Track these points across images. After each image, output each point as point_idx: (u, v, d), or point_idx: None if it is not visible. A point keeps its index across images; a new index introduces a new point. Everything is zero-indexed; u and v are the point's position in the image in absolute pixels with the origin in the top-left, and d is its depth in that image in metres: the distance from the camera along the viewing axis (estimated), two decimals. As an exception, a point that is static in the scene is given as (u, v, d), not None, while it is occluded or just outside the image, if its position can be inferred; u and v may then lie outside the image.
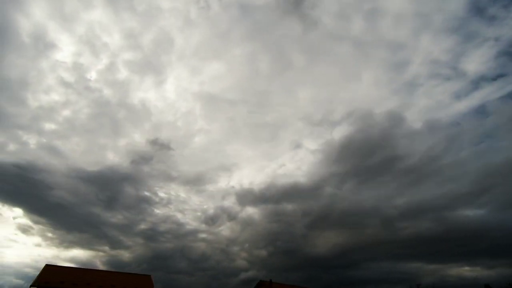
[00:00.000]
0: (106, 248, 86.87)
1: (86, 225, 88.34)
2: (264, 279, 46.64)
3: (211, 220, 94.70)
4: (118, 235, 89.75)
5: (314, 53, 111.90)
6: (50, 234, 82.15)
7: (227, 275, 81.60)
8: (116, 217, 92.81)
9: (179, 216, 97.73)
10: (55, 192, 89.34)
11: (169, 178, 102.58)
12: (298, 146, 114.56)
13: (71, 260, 79.52)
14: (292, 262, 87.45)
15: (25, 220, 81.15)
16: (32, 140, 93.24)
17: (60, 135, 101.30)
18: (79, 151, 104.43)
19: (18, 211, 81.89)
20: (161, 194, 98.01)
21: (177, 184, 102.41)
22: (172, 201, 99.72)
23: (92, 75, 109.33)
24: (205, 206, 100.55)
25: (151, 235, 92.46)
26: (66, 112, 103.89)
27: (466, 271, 75.32)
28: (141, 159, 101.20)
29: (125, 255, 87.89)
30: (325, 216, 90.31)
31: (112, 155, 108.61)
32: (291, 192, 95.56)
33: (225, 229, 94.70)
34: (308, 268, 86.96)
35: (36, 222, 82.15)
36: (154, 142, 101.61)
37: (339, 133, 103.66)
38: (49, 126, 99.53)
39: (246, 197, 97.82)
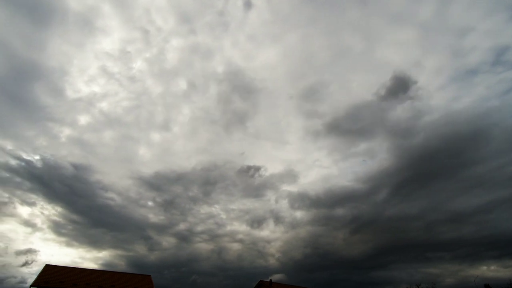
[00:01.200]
0: (141, 248, 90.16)
1: (126, 226, 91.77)
2: (270, 279, 46.61)
3: (257, 222, 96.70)
4: (155, 235, 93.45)
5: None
6: (83, 235, 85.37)
7: (253, 276, 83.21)
8: (158, 217, 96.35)
9: (223, 216, 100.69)
10: (105, 193, 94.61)
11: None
12: (354, 153, 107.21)
13: (96, 259, 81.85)
14: (324, 263, 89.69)
15: (62, 219, 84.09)
16: (63, 133, 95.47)
17: (94, 128, 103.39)
18: (113, 146, 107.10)
19: (59, 210, 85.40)
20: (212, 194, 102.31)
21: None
22: (219, 201, 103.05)
23: (138, 64, 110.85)
24: (252, 207, 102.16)
25: (186, 235, 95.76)
26: (103, 105, 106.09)
27: (491, 271, 75.63)
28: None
29: (156, 255, 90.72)
30: (372, 221, 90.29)
31: (143, 150, 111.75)
32: (346, 198, 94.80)
33: (268, 232, 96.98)
34: (338, 269, 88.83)
35: (73, 222, 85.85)
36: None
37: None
38: (84, 119, 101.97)
39: (300, 201, 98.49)
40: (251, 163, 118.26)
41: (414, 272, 78.81)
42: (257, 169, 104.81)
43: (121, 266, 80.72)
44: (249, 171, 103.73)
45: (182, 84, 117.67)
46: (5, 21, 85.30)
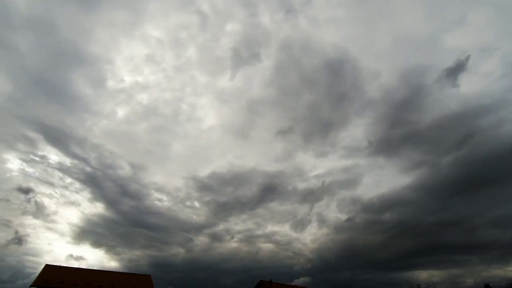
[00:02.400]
0: (173, 248, 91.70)
1: (167, 226, 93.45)
2: (265, 279, 46.61)
3: (301, 225, 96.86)
4: (192, 236, 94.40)
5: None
6: (117, 235, 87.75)
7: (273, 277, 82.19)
8: (200, 217, 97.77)
9: (266, 217, 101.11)
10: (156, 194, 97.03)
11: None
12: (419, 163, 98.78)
13: (121, 260, 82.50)
14: (352, 264, 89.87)
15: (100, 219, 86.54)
16: (100, 125, 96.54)
17: (130, 121, 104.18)
18: (150, 141, 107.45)
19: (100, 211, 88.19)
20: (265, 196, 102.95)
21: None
22: (268, 203, 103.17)
23: (189, 51, 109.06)
24: (301, 211, 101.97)
25: (220, 235, 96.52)
26: (142, 96, 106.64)
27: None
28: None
29: (187, 255, 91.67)
30: (413, 226, 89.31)
31: (177, 146, 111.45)
32: (397, 203, 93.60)
33: (308, 234, 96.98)
34: (363, 270, 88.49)
35: (111, 222, 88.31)
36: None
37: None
38: (122, 110, 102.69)
39: (352, 205, 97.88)
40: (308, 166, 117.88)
41: (436, 273, 78.96)
42: (313, 174, 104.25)
43: (143, 267, 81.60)
44: (307, 175, 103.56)
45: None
46: (53, 4, 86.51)
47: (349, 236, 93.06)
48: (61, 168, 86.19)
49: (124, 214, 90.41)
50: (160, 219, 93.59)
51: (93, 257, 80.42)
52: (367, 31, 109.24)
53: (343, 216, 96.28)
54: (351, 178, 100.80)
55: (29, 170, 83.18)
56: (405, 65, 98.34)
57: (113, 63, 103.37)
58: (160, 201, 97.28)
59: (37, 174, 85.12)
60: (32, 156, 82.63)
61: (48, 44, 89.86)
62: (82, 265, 55.50)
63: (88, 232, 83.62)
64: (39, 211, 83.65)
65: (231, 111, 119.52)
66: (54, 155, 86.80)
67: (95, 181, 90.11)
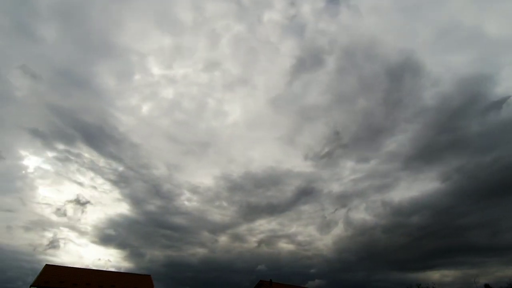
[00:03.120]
0: (192, 248, 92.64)
1: (191, 227, 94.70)
2: (266, 279, 46.65)
3: (327, 227, 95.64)
4: (213, 236, 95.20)
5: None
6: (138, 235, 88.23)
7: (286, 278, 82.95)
8: (225, 218, 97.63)
9: (293, 218, 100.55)
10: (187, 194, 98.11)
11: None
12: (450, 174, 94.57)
13: (137, 261, 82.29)
14: (369, 265, 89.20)
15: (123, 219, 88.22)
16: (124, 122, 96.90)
17: (153, 116, 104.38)
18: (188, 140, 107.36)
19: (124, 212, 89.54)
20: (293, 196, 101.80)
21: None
22: (297, 204, 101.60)
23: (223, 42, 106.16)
24: (329, 213, 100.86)
25: (241, 236, 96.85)
26: (168, 91, 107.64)
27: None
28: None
29: (204, 255, 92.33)
30: (440, 229, 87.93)
31: (229, 149, 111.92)
32: (426, 207, 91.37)
33: (332, 236, 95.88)
34: (379, 270, 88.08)
35: (134, 222, 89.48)
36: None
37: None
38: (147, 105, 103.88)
39: (382, 208, 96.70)
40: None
41: (449, 273, 79.10)
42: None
43: (156, 267, 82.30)
44: (344, 179, 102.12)
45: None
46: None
47: (372, 239, 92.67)
48: (93, 167, 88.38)
49: (149, 215, 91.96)
50: (186, 219, 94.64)
51: (117, 259, 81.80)
52: (436, 37, 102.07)
53: (371, 219, 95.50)
54: (387, 182, 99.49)
55: (62, 169, 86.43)
56: (465, 73, 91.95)
57: (142, 55, 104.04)
58: (189, 200, 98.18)
59: (69, 174, 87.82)
60: (67, 155, 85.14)
61: (75, 35, 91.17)
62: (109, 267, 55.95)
63: (114, 234, 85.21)
64: (67, 213, 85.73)
65: (278, 113, 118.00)
66: (87, 154, 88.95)
67: (126, 181, 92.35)
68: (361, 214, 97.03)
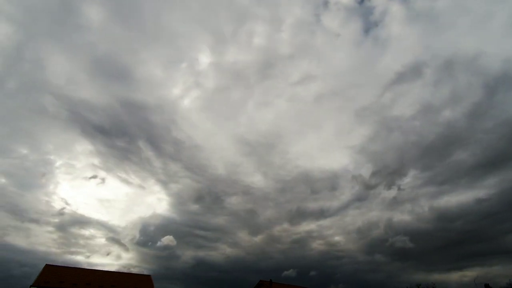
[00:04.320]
0: (225, 248, 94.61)
1: (233, 227, 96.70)
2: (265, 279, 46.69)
3: (368, 230, 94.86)
4: (252, 236, 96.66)
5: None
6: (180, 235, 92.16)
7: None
8: (268, 218, 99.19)
9: (336, 220, 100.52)
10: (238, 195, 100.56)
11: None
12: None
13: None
14: (397, 265, 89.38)
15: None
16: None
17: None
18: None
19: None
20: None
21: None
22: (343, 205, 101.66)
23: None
24: (372, 215, 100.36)
25: (278, 237, 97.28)
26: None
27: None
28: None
29: (237, 254, 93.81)
30: (481, 233, 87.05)
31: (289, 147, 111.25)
32: (475, 213, 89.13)
33: (369, 239, 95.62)
34: (403, 271, 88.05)
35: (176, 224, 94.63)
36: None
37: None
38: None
39: (427, 213, 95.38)
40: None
41: (469, 273, 78.42)
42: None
43: (187, 264, 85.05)
44: (405, 186, 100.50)
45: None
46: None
47: (409, 242, 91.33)
48: (145, 168, 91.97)
49: (190, 215, 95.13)
50: (227, 220, 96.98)
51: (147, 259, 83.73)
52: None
53: (413, 223, 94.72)
54: (442, 189, 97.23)
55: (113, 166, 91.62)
56: None
57: (193, 40, 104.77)
58: (237, 201, 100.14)
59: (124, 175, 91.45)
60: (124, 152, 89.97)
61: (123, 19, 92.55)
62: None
63: (158, 234, 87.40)
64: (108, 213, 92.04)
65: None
66: (150, 152, 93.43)
67: (178, 182, 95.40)
68: (406, 218, 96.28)
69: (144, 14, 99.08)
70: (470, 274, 78.25)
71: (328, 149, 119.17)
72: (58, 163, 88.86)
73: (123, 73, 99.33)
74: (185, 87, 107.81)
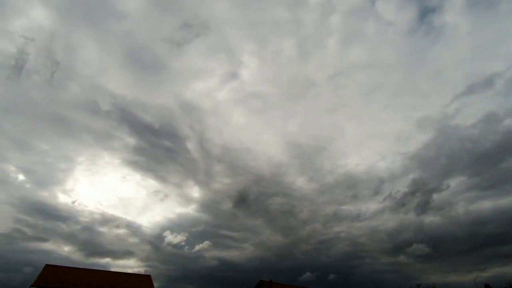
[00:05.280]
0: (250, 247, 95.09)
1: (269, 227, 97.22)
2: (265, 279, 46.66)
3: (396, 232, 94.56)
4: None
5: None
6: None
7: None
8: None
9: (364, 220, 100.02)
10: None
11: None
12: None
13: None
14: (413, 265, 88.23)
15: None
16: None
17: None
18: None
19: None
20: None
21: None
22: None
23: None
24: (403, 218, 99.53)
25: (305, 238, 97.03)
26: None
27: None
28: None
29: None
30: (507, 237, 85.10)
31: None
32: (502, 217, 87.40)
33: (398, 242, 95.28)
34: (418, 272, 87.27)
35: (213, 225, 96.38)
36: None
37: None
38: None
39: (461, 217, 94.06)
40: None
41: (484, 274, 78.03)
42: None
43: (207, 264, 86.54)
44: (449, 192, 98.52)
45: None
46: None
47: (433, 244, 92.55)
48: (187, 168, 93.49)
49: (222, 215, 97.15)
50: (260, 220, 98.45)
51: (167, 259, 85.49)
52: None
53: (444, 227, 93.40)
54: (484, 195, 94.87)
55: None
56: None
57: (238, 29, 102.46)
58: (274, 201, 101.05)
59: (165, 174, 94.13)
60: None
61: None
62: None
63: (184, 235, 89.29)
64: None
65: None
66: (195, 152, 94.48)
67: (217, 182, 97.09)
68: (438, 221, 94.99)
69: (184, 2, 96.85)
70: (485, 275, 78.12)
71: (380, 153, 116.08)
72: (87, 161, 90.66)
73: (160, 64, 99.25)
74: (232, 89, 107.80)
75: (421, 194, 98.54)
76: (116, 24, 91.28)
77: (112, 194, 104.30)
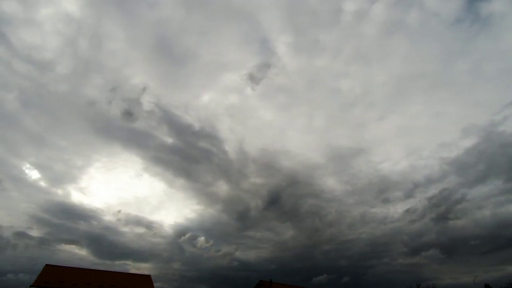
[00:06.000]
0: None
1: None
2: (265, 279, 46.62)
3: (418, 236, 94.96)
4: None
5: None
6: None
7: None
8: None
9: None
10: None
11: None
12: None
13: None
14: (429, 266, 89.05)
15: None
16: None
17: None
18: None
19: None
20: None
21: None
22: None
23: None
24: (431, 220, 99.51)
25: (327, 239, 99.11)
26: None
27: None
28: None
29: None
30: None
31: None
32: None
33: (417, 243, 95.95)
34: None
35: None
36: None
37: None
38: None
39: (488, 221, 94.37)
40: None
41: (495, 274, 78.21)
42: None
43: (221, 264, 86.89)
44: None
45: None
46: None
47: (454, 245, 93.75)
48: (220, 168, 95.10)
49: (246, 216, 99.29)
50: (285, 220, 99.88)
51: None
52: None
53: (470, 229, 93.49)
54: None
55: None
56: None
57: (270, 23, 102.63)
58: (305, 203, 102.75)
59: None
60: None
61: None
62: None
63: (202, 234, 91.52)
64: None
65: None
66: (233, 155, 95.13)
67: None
68: (462, 223, 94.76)
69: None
70: (496, 274, 77.93)
71: (418, 157, 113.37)
72: (108, 158, 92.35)
73: (189, 56, 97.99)
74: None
75: (451, 198, 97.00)
76: (147, 12, 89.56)
77: (132, 193, 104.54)
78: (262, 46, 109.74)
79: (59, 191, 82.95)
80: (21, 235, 68.84)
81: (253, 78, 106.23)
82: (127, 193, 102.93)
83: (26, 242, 67.83)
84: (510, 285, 42.92)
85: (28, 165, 79.88)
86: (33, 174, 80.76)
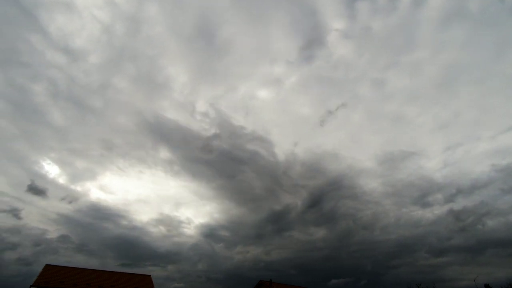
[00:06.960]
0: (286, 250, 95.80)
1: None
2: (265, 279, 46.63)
3: (446, 240, 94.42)
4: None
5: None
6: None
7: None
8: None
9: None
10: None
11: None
12: None
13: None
14: (449, 267, 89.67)
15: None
16: None
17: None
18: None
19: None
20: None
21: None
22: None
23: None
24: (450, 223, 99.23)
25: (355, 242, 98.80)
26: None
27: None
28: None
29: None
30: None
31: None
32: None
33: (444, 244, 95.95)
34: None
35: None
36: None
37: None
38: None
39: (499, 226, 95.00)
40: None
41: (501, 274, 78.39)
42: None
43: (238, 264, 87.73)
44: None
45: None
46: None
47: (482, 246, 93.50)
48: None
49: (277, 217, 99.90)
50: (318, 222, 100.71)
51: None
52: None
53: (503, 232, 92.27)
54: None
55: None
56: None
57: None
58: (338, 203, 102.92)
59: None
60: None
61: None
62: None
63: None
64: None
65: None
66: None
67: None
68: (494, 225, 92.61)
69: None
70: (504, 275, 78.50)
71: (472, 161, 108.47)
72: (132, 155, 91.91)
73: (229, 45, 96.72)
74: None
75: (492, 205, 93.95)
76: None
77: (160, 192, 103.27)
78: (312, 33, 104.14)
79: (78, 189, 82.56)
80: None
81: (297, 69, 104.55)
82: (154, 191, 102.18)
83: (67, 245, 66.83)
84: (510, 285, 42.80)
85: (49, 161, 78.44)
86: (54, 170, 79.31)
